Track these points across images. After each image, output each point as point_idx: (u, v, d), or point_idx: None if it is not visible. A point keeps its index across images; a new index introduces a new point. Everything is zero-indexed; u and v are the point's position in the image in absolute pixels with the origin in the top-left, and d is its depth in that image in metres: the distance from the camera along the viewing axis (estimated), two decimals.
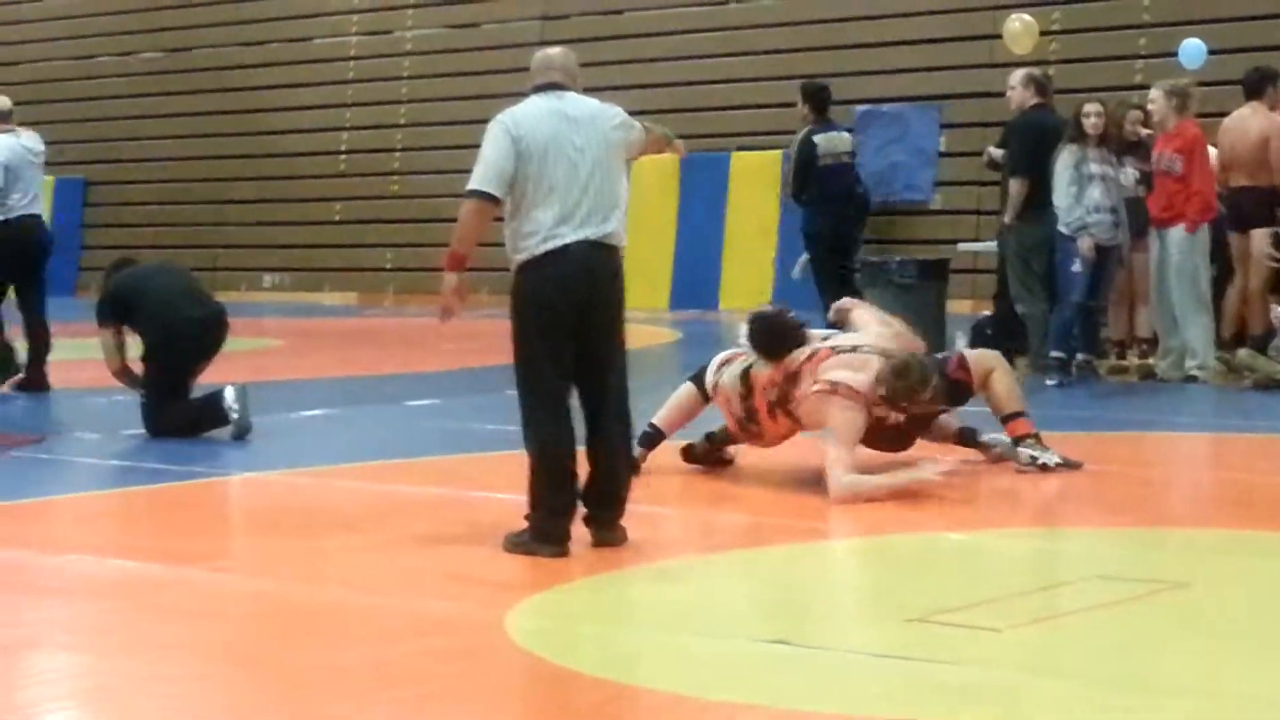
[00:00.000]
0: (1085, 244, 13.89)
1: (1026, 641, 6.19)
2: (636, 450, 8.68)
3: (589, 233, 7.41)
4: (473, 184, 7.50)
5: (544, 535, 7.41)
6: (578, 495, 7.51)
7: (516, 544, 7.47)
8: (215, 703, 5.51)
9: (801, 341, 9.12)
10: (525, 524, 7.49)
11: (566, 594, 6.45)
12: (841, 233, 15.87)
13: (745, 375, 9.19)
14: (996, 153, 15.42)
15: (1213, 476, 10.54)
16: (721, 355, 9.53)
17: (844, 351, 9.03)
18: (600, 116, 7.62)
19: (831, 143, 15.80)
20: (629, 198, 7.66)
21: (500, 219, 7.56)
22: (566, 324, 7.41)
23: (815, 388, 8.81)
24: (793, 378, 8.97)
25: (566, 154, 7.43)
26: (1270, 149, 14.35)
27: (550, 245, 7.37)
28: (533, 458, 7.49)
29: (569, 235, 7.38)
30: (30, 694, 5.64)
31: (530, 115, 7.52)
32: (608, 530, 7.55)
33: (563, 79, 7.66)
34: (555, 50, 7.86)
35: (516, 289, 7.50)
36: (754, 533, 7.93)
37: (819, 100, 16.01)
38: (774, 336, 9.19)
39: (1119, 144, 14.59)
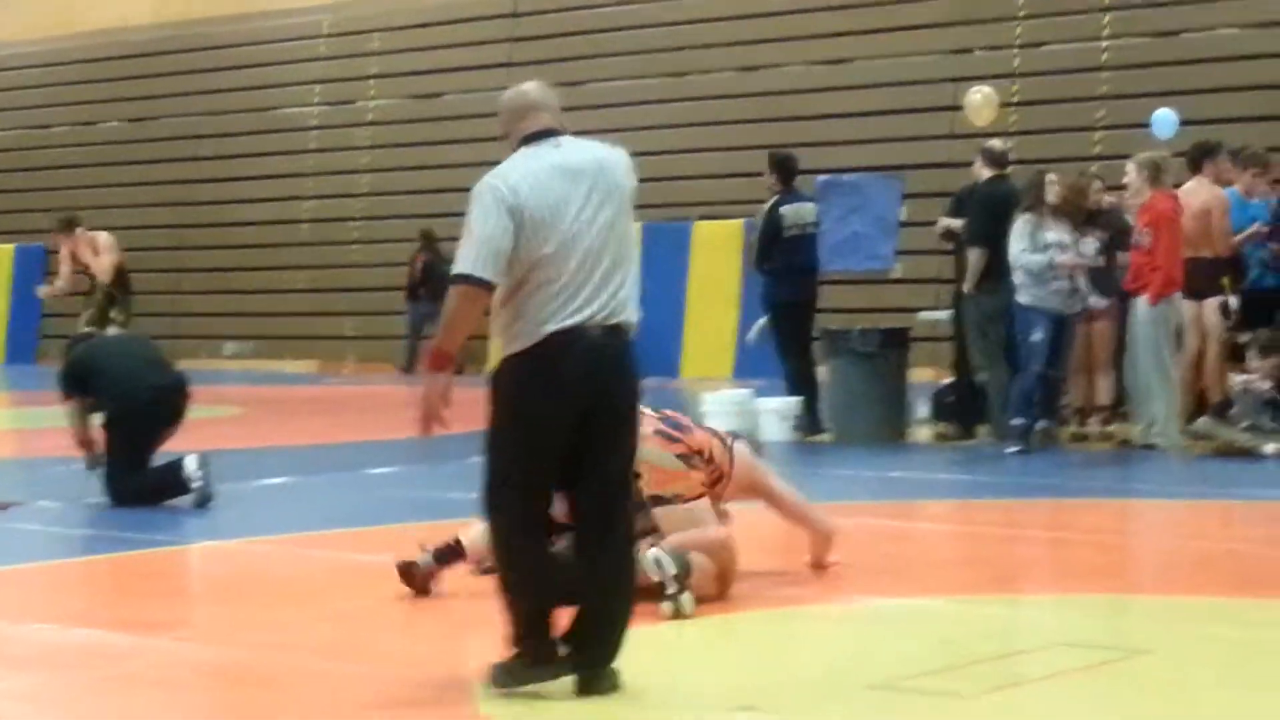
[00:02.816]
0: (1050, 305, 14.00)
1: (989, 708, 6.20)
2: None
3: (596, 311, 6.10)
4: (463, 267, 6.09)
5: (535, 655, 6.21)
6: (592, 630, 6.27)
7: (509, 677, 6.21)
8: None
9: None
10: (497, 656, 6.34)
11: None
12: (804, 302, 15.96)
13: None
14: (953, 223, 15.52)
15: (1175, 543, 10.57)
16: None
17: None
18: (609, 165, 6.29)
19: (799, 214, 15.90)
20: None
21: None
22: (563, 434, 6.14)
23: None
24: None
25: (574, 219, 6.11)
26: (1212, 220, 14.54)
27: (549, 330, 6.07)
28: (504, 568, 6.27)
29: (575, 315, 6.08)
30: None
31: (528, 177, 6.13)
32: (595, 678, 6.22)
33: (553, 121, 6.32)
34: (530, 85, 6.41)
35: (500, 385, 6.20)
36: (720, 600, 7.91)
37: (786, 170, 16.11)
38: None
39: (1083, 214, 14.72)
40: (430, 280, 26.18)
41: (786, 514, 8.78)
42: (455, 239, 6.31)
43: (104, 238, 17.71)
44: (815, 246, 16.05)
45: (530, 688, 6.13)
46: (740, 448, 8.51)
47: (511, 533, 6.20)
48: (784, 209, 15.81)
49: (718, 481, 8.32)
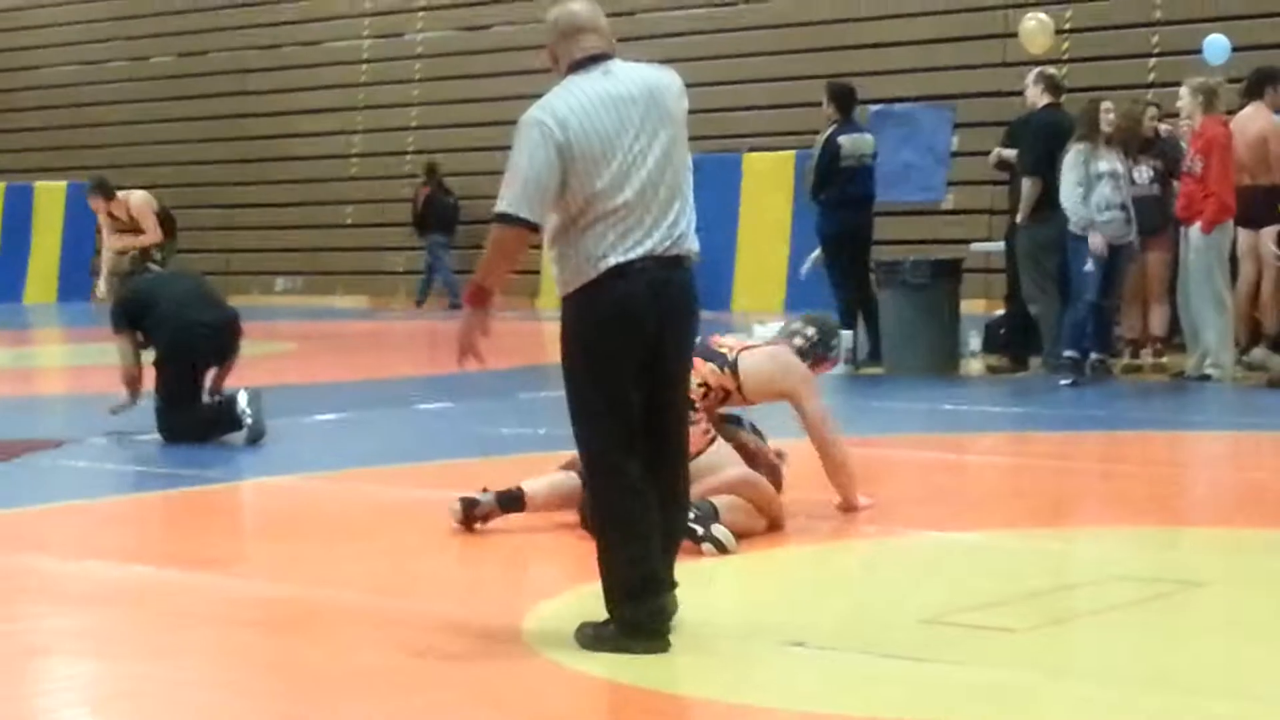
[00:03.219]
0: (1096, 241, 13.89)
1: (1041, 642, 6.18)
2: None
3: (656, 244, 5.92)
4: (506, 206, 5.91)
5: (636, 627, 5.92)
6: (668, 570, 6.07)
7: (600, 640, 5.95)
8: (233, 707, 5.52)
9: None
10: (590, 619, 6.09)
11: (583, 598, 6.43)
12: (860, 234, 15.92)
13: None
14: (1007, 153, 15.42)
15: (1228, 475, 10.53)
16: None
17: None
18: (660, 88, 6.03)
19: (856, 145, 15.85)
20: None
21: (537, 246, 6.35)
22: (635, 367, 5.94)
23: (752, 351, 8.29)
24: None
25: (627, 151, 5.90)
26: (1269, 148, 14.39)
27: (610, 263, 5.89)
28: (606, 530, 6.05)
29: (635, 249, 5.89)
30: (48, 700, 5.65)
31: (577, 109, 5.90)
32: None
33: (603, 44, 6.06)
34: (578, 5, 6.09)
35: (568, 324, 6.01)
36: (769, 534, 7.91)
37: (845, 101, 16.06)
38: None
39: (1138, 142, 14.61)
40: (434, 212, 26.52)
41: (811, 437, 8.43)
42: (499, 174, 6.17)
43: (138, 198, 17.59)
44: (872, 178, 16.02)
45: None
46: (749, 357, 8.20)
47: (607, 479, 5.99)
48: (841, 139, 15.77)
49: (725, 399, 8.24)
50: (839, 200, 15.70)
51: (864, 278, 15.84)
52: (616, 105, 5.93)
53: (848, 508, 8.45)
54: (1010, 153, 15.34)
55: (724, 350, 8.22)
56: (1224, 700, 5.34)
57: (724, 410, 8.31)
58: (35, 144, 32.66)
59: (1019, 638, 6.16)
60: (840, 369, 15.35)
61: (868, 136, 16.20)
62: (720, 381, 8.10)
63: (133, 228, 17.46)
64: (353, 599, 6.88)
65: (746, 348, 8.27)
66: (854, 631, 6.23)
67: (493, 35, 28.12)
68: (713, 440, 7.95)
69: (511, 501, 8.11)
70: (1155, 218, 14.62)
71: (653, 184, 5.92)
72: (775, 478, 8.21)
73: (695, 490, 7.37)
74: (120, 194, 17.63)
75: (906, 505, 8.81)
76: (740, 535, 7.64)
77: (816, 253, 16.23)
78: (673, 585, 6.06)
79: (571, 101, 5.92)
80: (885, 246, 16.76)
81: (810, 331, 8.53)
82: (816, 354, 8.50)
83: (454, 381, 14.69)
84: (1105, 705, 5.32)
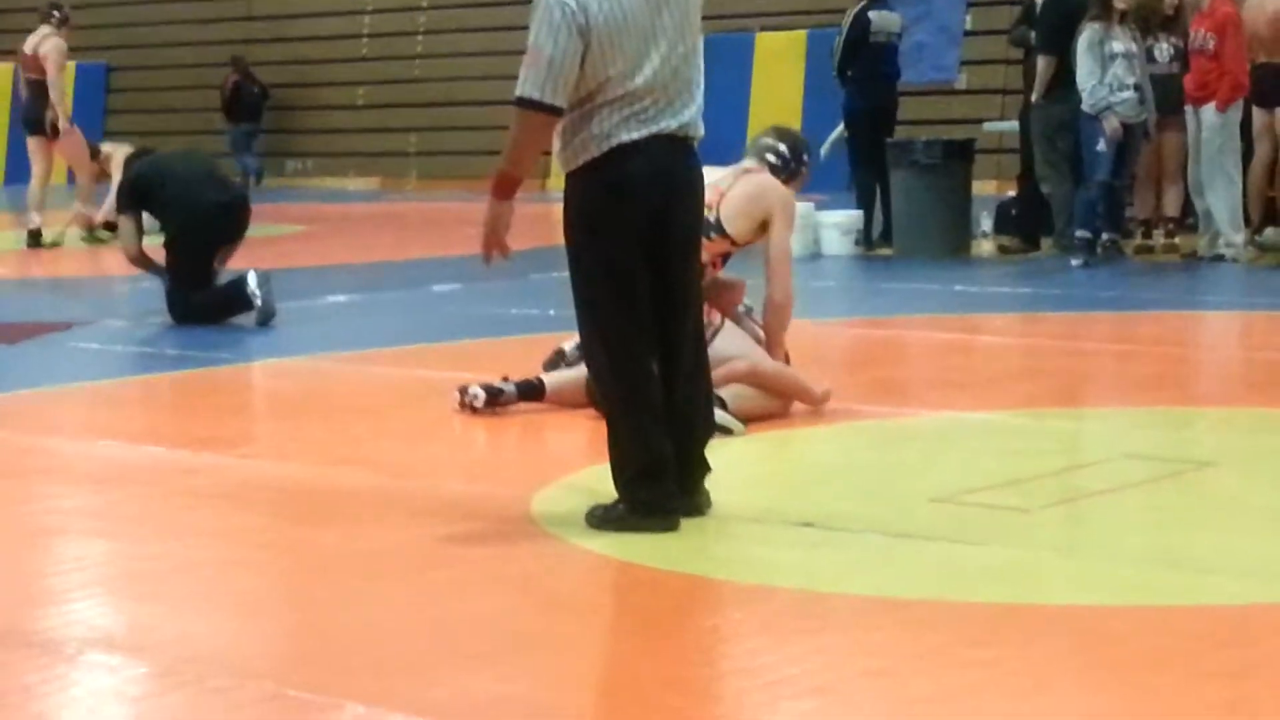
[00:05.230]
0: (1111, 123, 13.80)
1: (1053, 521, 6.19)
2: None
3: (665, 124, 5.86)
4: (529, 91, 5.79)
5: (647, 507, 5.92)
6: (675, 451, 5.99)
7: (610, 520, 5.95)
8: (243, 586, 5.53)
9: None
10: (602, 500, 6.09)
11: (593, 478, 6.44)
12: (884, 110, 15.87)
13: None
14: (1030, 34, 15.30)
15: (1241, 355, 10.51)
16: None
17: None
18: None
19: (885, 21, 15.79)
20: None
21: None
22: (639, 241, 5.88)
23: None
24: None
25: (643, 27, 5.82)
26: None
27: (616, 142, 5.83)
28: (615, 410, 6.02)
29: (641, 129, 5.83)
30: (61, 580, 5.67)
31: None
32: (689, 496, 6.06)
33: None
34: None
35: (572, 202, 5.96)
36: (778, 415, 7.90)
37: None
38: None
39: (1158, 19, 14.49)
40: (240, 101, 26.91)
41: (767, 263, 8.03)
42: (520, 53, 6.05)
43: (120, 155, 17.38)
44: (897, 56, 15.97)
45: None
46: (727, 206, 7.89)
47: (608, 347, 5.95)
48: (871, 14, 15.69)
49: (725, 258, 8.11)
50: (866, 75, 15.63)
51: (882, 158, 15.79)
52: None
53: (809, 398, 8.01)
54: (1031, 33, 15.23)
55: (708, 215, 8.04)
56: (1235, 578, 5.34)
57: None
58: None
59: (1031, 517, 6.15)
60: (852, 249, 15.36)
61: (896, 15, 16.12)
62: (713, 250, 7.83)
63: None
64: (363, 479, 6.89)
65: (723, 196, 7.97)
66: (865, 512, 6.23)
67: None
68: (715, 332, 7.82)
69: (531, 391, 8.11)
70: (1173, 97, 14.51)
71: (664, 69, 5.85)
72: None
73: None
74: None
75: (918, 386, 8.81)
76: (754, 419, 7.62)
77: (837, 132, 16.16)
78: (706, 470, 6.08)
79: None
80: (898, 127, 16.65)
81: (782, 147, 8.27)
82: (790, 169, 8.22)
83: (465, 263, 14.64)
84: (1117, 583, 5.33)
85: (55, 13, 17.86)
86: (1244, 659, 4.62)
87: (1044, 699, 4.35)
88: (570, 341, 8.20)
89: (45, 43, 17.56)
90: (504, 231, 6.00)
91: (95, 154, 17.62)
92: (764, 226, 7.99)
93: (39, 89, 17.62)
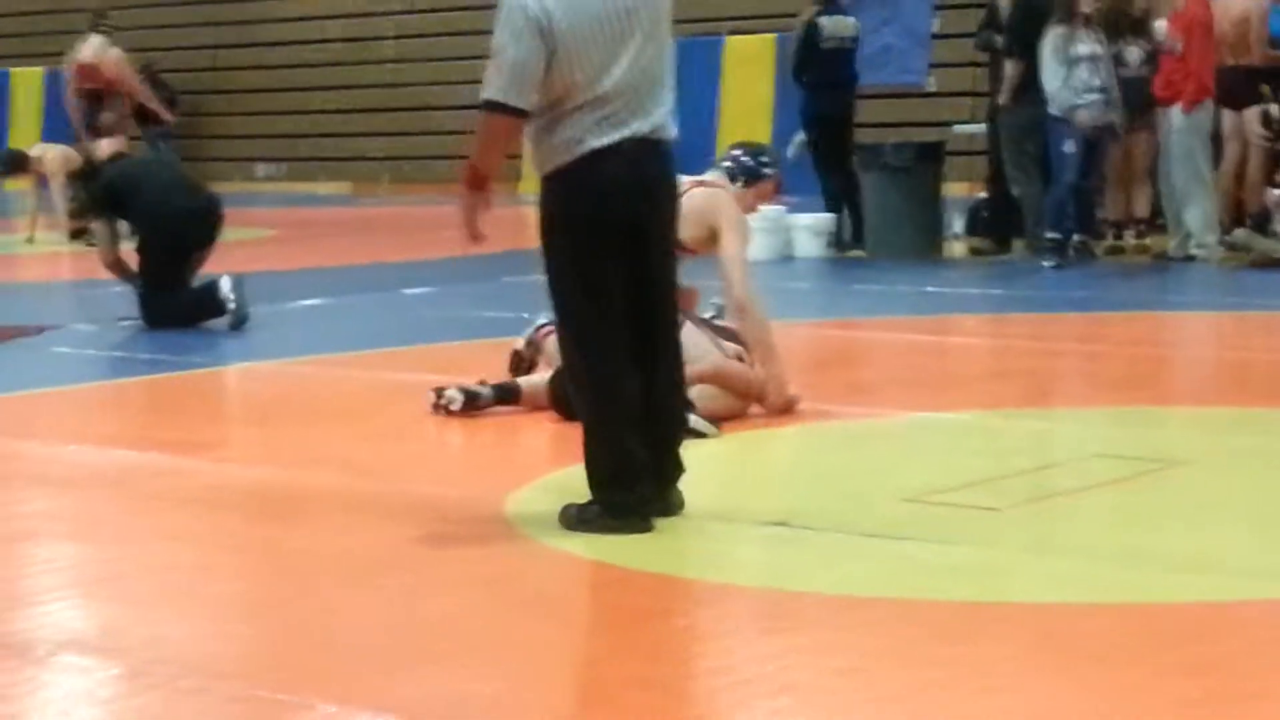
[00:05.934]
0: (1082, 118, 13.84)
1: (1023, 520, 6.21)
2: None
3: (637, 127, 5.85)
4: (494, 94, 5.84)
5: (620, 509, 5.91)
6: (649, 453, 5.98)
7: (584, 521, 5.94)
8: (215, 590, 5.53)
9: None
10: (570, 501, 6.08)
11: (566, 479, 6.44)
12: (841, 116, 15.89)
13: None
14: (999, 37, 15.34)
15: (1211, 355, 10.55)
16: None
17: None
18: None
19: (837, 26, 15.81)
20: None
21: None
22: (615, 245, 5.88)
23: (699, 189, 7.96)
24: None
25: (610, 29, 5.80)
26: (1251, 27, 14.31)
27: (589, 147, 5.83)
28: (590, 411, 6.01)
29: (613, 133, 5.82)
30: (32, 583, 5.67)
31: None
32: (662, 496, 6.05)
33: None
34: None
35: (548, 206, 5.94)
36: (750, 417, 7.91)
37: None
38: None
39: (1127, 22, 14.53)
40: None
41: (724, 281, 8.02)
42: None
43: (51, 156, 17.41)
44: (853, 61, 15.99)
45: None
46: (690, 200, 7.48)
47: (585, 351, 5.95)
48: (822, 20, 15.72)
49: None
50: (819, 82, 15.67)
51: (846, 161, 15.81)
52: None
53: (778, 399, 7.95)
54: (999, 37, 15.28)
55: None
56: (1203, 575, 5.37)
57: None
58: (10, 30, 32.39)
59: (1001, 516, 6.18)
60: (824, 251, 15.39)
61: (850, 20, 16.13)
62: None
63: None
64: (335, 482, 6.89)
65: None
66: (836, 511, 6.25)
67: None
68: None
69: (507, 394, 8.14)
70: (1143, 99, 14.55)
71: (633, 70, 5.84)
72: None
73: None
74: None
75: (889, 386, 8.83)
76: (722, 419, 7.64)
77: (800, 135, 16.20)
78: (679, 471, 6.06)
79: None
80: (867, 129, 16.69)
81: (737, 152, 8.28)
82: (748, 173, 8.17)
83: (436, 266, 14.66)
84: (1086, 581, 5.35)
85: (103, 22, 18.08)
86: (1211, 655, 4.65)
87: (1012, 696, 4.37)
88: (520, 340, 8.38)
89: (108, 52, 17.74)
90: (480, 221, 6.02)
91: (23, 159, 17.67)
92: (714, 235, 7.98)
93: (94, 97, 17.74)
